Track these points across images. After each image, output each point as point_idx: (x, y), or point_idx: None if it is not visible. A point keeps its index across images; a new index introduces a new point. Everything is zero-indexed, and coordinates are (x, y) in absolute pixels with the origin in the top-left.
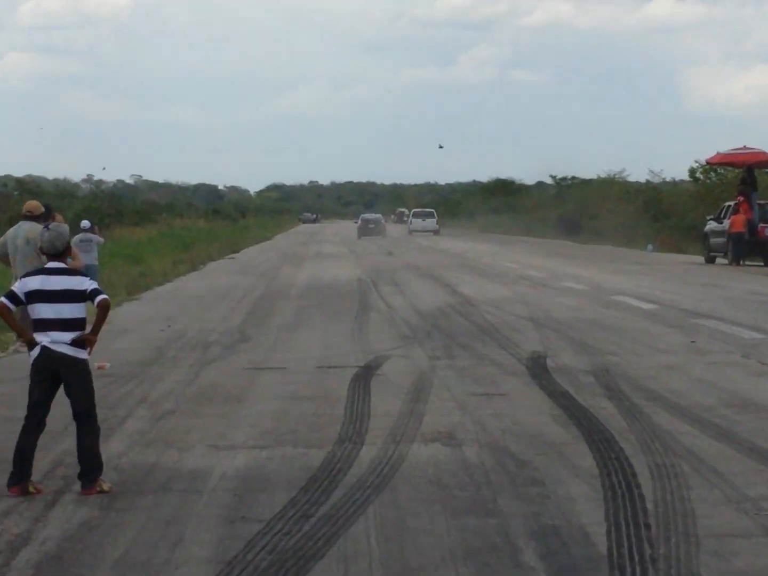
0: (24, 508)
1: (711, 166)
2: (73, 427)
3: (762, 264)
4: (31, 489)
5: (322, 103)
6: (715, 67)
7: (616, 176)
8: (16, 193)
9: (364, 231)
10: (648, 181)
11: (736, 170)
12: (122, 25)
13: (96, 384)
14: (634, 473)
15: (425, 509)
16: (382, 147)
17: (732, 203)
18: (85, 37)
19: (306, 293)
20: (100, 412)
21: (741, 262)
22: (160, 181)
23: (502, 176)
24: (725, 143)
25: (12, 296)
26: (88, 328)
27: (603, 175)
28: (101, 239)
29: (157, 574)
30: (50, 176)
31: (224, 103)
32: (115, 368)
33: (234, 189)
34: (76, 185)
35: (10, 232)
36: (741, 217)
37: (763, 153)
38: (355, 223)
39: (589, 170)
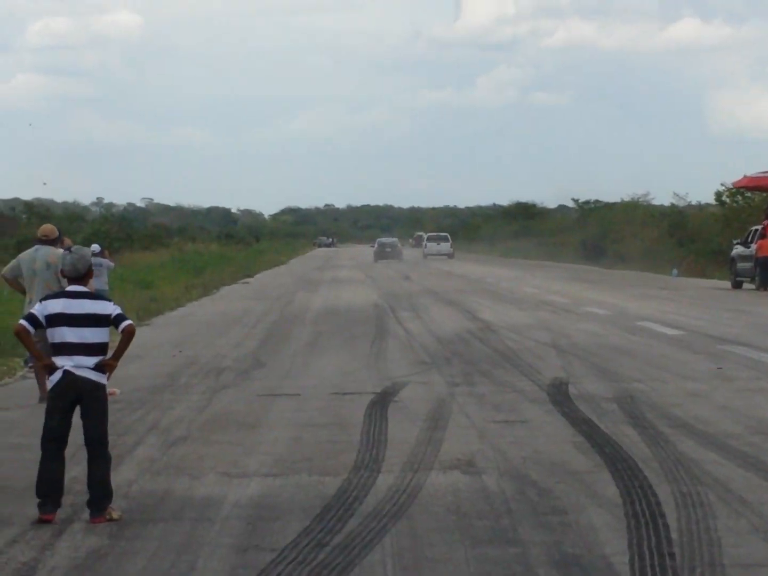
0: (31, 537)
1: (738, 189)
2: (81, 454)
3: None
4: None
5: (338, 125)
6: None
7: (640, 200)
8: (24, 216)
9: (381, 255)
10: (673, 205)
11: (764, 194)
12: (133, 46)
13: None
14: (658, 502)
15: (443, 538)
16: (400, 170)
17: (759, 227)
18: (94, 58)
19: (322, 318)
20: (110, 439)
21: None
22: (172, 204)
23: (523, 200)
24: (752, 166)
25: (32, 319)
26: (109, 353)
27: (627, 199)
28: (112, 263)
29: None
30: (59, 199)
31: (238, 125)
32: (125, 394)
33: (248, 212)
34: (85, 208)
35: (25, 256)
36: None
37: None
38: (372, 247)
39: (612, 194)
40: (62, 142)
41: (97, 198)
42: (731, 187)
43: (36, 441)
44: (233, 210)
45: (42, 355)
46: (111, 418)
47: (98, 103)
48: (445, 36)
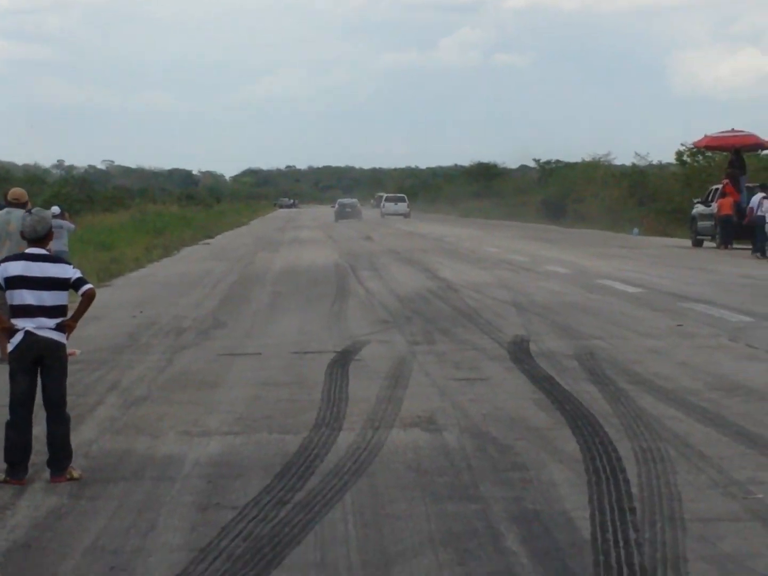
0: None
1: (698, 149)
2: (40, 414)
3: (750, 248)
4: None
5: (300, 87)
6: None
7: (602, 159)
8: None
9: (341, 214)
10: (634, 165)
11: (724, 153)
12: (95, 9)
13: None
14: (618, 457)
15: (404, 495)
16: (361, 131)
17: (719, 186)
18: (56, 22)
19: (282, 279)
20: (70, 399)
21: (729, 246)
22: (133, 166)
23: (485, 160)
24: (713, 126)
25: None
26: (69, 315)
27: (588, 159)
28: (72, 225)
29: (128, 562)
30: (19, 162)
31: (199, 87)
32: (85, 355)
33: (209, 174)
34: (46, 171)
35: None
36: (729, 200)
37: (752, 136)
38: (333, 207)
39: (573, 154)
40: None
41: (58, 160)
42: (692, 146)
43: None
44: (194, 172)
45: (1, 318)
46: (71, 378)
47: (60, 66)
48: None
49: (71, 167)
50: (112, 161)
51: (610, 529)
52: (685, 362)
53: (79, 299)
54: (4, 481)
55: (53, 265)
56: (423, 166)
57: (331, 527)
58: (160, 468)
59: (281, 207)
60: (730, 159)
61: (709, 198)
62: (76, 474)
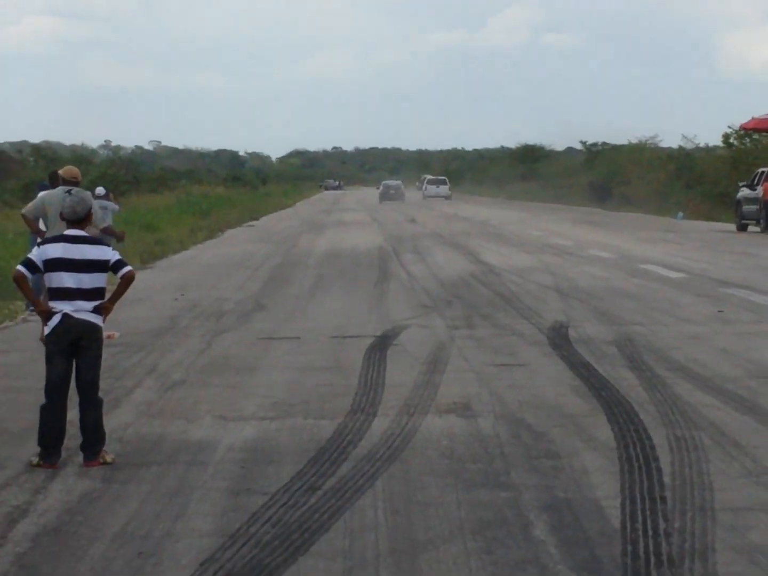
0: (24, 480)
1: (746, 131)
2: (75, 399)
3: None
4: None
5: (346, 68)
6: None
7: (648, 142)
8: (31, 159)
9: (385, 196)
10: (681, 147)
11: None
12: None
13: (104, 353)
14: (652, 446)
15: (436, 482)
16: (408, 112)
17: (765, 169)
18: (105, 1)
19: (325, 262)
20: (107, 382)
21: None
22: (180, 147)
23: (531, 142)
24: (761, 108)
25: (30, 264)
26: (107, 297)
27: (634, 141)
28: (116, 206)
29: (157, 547)
30: (67, 142)
31: (246, 68)
32: (124, 338)
33: (255, 155)
34: (93, 151)
35: (52, 198)
36: None
37: None
38: (377, 189)
39: (620, 136)
40: (71, 85)
41: (105, 141)
42: (739, 129)
43: (35, 384)
44: (241, 153)
45: (39, 302)
46: (110, 361)
47: (107, 45)
48: None
49: (118, 148)
50: (159, 142)
51: (640, 518)
52: (724, 349)
53: (117, 281)
54: (38, 465)
55: (93, 247)
56: (469, 147)
57: (361, 514)
58: (193, 452)
59: (327, 189)
60: None
61: (755, 181)
62: (109, 458)
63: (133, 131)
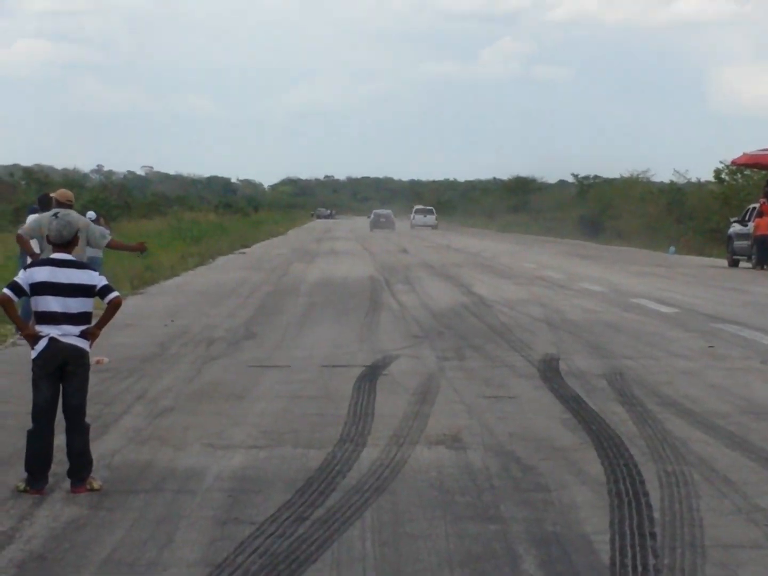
0: (11, 506)
1: (737, 167)
2: (63, 424)
3: None
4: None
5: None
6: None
7: (640, 176)
8: (23, 182)
9: (376, 224)
10: (672, 182)
11: (763, 171)
12: (136, 13)
13: (93, 379)
14: (642, 481)
15: (424, 514)
16: (401, 142)
17: (756, 205)
18: (97, 25)
19: (316, 290)
20: (96, 408)
21: (765, 267)
22: (172, 173)
23: (523, 174)
24: (752, 144)
25: (15, 287)
26: (93, 321)
27: (626, 175)
28: (107, 231)
29: (143, 575)
30: (59, 166)
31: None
32: (114, 363)
33: (248, 183)
34: (85, 176)
35: (46, 218)
36: (766, 220)
37: None
38: (368, 218)
39: (612, 169)
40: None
41: (97, 165)
42: (730, 164)
43: (22, 409)
44: (233, 180)
45: (26, 326)
46: (98, 386)
47: (100, 69)
48: (449, 7)
49: (110, 172)
50: (151, 167)
51: (630, 554)
52: (715, 384)
53: (104, 306)
54: (24, 491)
55: (79, 271)
56: (461, 179)
57: (349, 545)
58: (181, 480)
59: (319, 217)
60: None
61: (746, 217)
62: (96, 485)
63: (125, 156)
